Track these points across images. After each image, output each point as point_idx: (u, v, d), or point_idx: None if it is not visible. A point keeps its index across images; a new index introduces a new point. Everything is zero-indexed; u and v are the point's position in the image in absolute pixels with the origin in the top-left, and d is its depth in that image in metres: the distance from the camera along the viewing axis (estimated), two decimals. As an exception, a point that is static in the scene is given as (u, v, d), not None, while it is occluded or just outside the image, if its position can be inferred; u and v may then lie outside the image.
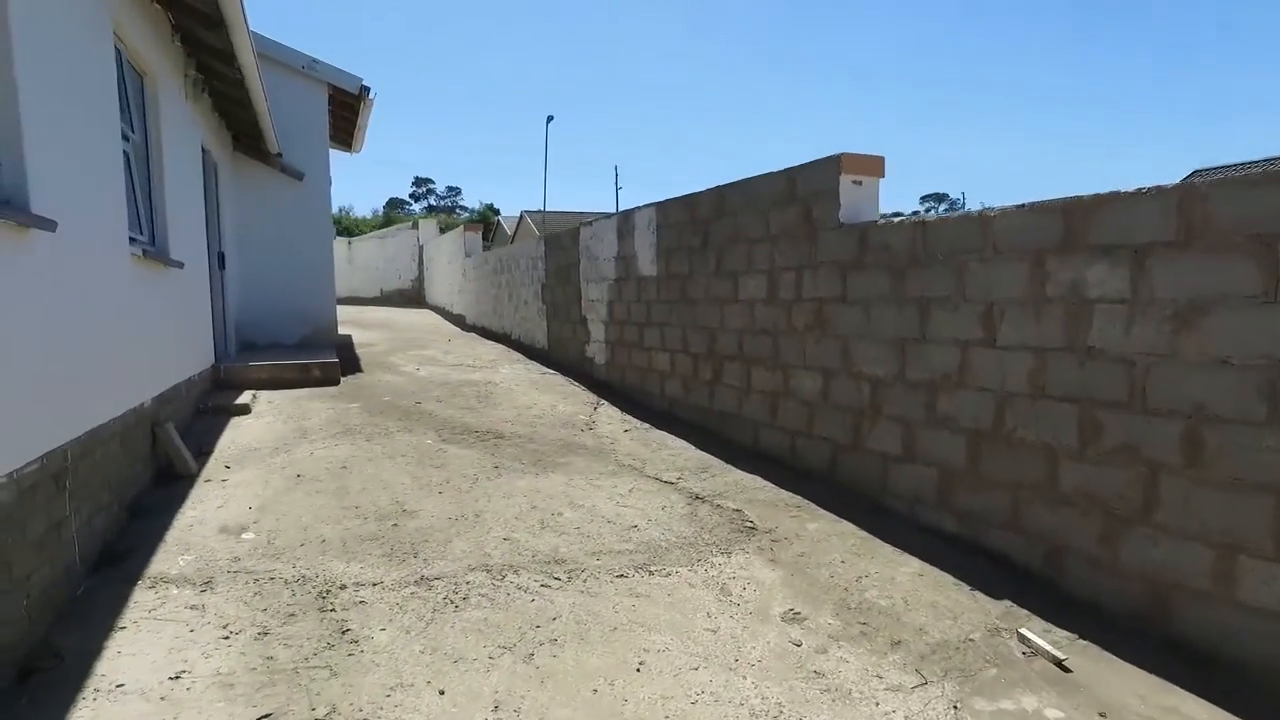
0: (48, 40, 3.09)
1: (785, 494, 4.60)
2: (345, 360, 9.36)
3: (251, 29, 9.72)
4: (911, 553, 3.68)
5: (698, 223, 6.17)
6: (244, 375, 7.52)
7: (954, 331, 3.77)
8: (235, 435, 5.69)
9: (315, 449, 5.34)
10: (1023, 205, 3.42)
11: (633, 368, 7.48)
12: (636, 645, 2.77)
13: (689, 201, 6.32)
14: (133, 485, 4.04)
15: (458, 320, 16.53)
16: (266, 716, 2.28)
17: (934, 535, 3.87)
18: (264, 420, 6.20)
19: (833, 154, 4.56)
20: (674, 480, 4.88)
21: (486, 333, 13.96)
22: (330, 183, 11.37)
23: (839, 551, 3.72)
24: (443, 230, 20.46)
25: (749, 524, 4.09)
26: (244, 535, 3.71)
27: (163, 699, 2.35)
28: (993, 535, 3.57)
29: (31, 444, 2.66)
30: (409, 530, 3.85)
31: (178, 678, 2.47)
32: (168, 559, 3.40)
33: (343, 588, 3.17)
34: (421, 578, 3.29)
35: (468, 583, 3.25)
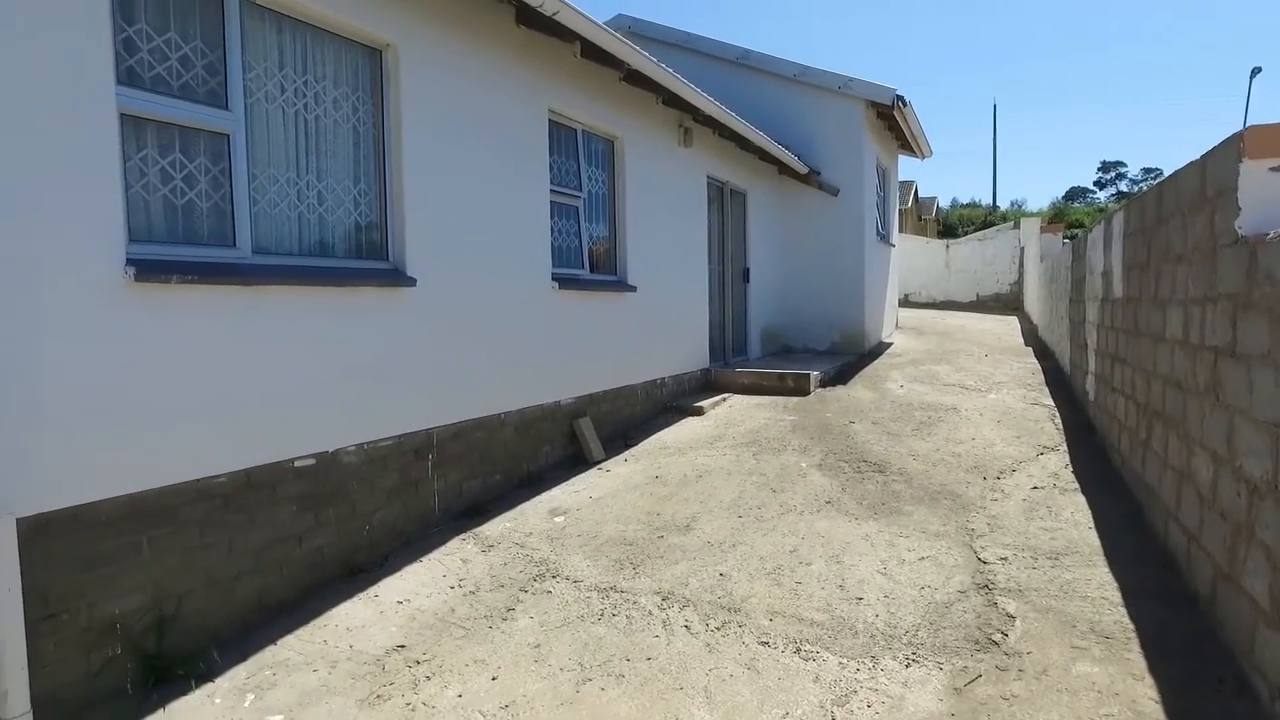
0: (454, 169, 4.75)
1: (1114, 615, 3.31)
2: (842, 371, 9.90)
3: (788, 59, 11.15)
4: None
5: (1144, 232, 4.65)
6: (729, 380, 8.89)
7: (1341, 417, 2.21)
8: (667, 433, 7.00)
9: (700, 455, 6.20)
10: None
11: (1105, 411, 5.95)
12: (674, 711, 2.77)
13: (1139, 204, 4.79)
14: (533, 462, 5.66)
15: (1030, 331, 14.92)
16: (400, 647, 3.29)
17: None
18: (703, 423, 7.37)
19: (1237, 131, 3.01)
20: (993, 560, 4.00)
21: (1043, 349, 12.35)
22: (878, 194, 12.04)
23: (1066, 716, 2.65)
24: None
25: (995, 638, 3.19)
26: (556, 519, 4.85)
27: (380, 613, 3.61)
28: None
29: (382, 428, 4.28)
30: (664, 545, 4.36)
31: (402, 602, 3.71)
32: (499, 524, 4.78)
33: (554, 576, 3.97)
34: (612, 587, 3.83)
35: (634, 603, 3.64)
